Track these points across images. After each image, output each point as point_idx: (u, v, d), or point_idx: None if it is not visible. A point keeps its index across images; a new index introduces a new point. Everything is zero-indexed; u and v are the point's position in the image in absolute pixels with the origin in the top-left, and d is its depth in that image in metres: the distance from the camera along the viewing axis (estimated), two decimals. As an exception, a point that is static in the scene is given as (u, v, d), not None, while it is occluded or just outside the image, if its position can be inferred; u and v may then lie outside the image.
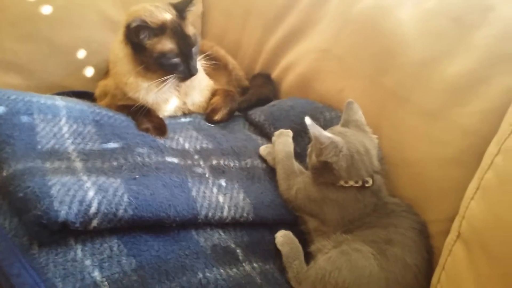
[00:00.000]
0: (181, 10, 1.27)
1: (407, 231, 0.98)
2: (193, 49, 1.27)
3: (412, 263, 0.94)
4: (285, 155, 1.15)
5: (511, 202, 0.80)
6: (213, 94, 1.46)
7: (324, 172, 1.02)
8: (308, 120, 0.98)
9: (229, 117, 1.39)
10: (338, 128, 1.08)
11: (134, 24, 1.18)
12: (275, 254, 1.03)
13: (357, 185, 1.01)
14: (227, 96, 1.42)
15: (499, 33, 1.03)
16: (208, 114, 1.38)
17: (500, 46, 1.02)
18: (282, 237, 1.03)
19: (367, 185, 1.01)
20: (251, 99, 1.46)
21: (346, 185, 1.01)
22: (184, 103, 1.39)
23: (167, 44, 1.22)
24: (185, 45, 1.25)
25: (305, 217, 1.08)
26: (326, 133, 0.99)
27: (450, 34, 1.11)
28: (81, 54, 1.55)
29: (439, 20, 1.15)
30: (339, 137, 1.00)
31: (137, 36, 1.20)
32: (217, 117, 1.36)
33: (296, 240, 1.03)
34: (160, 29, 1.22)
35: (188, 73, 1.27)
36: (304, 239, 1.07)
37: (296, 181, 1.10)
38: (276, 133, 1.23)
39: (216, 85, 1.50)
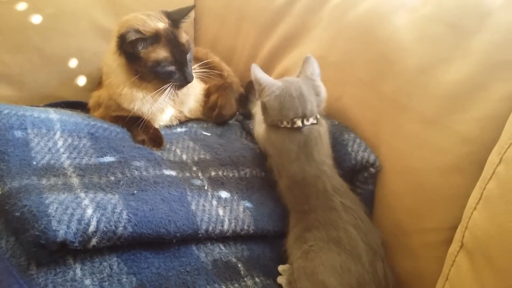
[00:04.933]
0: (175, 20, 1.25)
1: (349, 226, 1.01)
2: (187, 56, 1.26)
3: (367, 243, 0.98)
4: None
5: (515, 212, 0.80)
6: (207, 95, 1.44)
7: (265, 113, 1.09)
8: (253, 66, 1.09)
9: (238, 108, 1.39)
10: (288, 77, 1.14)
11: (128, 35, 1.16)
12: (276, 269, 1.02)
13: (288, 125, 1.05)
14: (224, 89, 1.41)
15: (498, 39, 1.02)
16: (218, 114, 1.37)
17: (499, 53, 1.01)
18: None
19: (295, 126, 1.05)
20: None
21: (282, 126, 1.06)
22: (181, 112, 1.37)
23: (161, 53, 1.21)
24: (179, 53, 1.24)
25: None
26: (266, 77, 1.08)
27: (447, 40, 1.10)
28: (73, 63, 1.53)
29: (435, 26, 1.14)
30: (278, 81, 1.08)
31: (132, 46, 1.18)
32: (226, 111, 1.35)
33: None
34: (154, 38, 1.20)
35: (184, 80, 1.26)
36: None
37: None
38: None
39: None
